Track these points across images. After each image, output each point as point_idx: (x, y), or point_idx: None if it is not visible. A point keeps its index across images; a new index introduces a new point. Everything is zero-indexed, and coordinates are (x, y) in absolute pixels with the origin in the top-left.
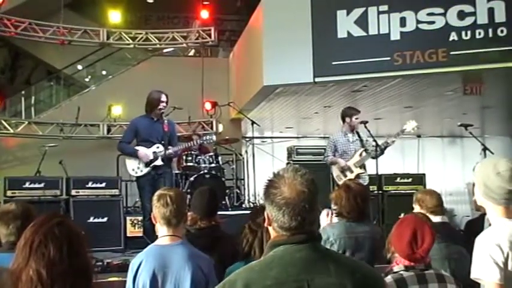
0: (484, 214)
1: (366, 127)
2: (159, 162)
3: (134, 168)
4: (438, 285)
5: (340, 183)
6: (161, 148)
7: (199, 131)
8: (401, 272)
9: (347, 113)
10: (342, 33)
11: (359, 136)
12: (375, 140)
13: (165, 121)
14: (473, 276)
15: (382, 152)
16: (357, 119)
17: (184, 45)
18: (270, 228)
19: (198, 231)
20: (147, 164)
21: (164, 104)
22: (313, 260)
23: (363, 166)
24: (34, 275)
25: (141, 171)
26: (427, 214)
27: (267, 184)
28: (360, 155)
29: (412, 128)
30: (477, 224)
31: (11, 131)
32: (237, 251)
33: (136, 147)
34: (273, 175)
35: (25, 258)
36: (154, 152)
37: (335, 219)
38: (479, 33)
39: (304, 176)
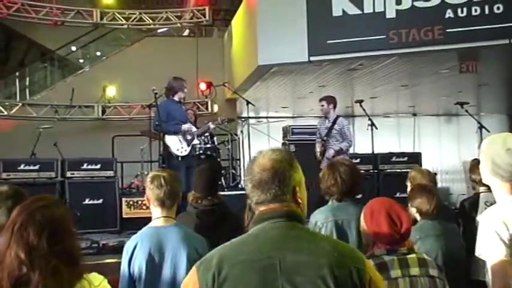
0: (479, 194)
1: (361, 106)
2: (196, 141)
3: (178, 148)
4: (420, 269)
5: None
6: (194, 128)
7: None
8: (383, 256)
9: None
10: (337, 12)
11: (332, 125)
12: (370, 119)
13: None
14: (477, 253)
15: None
16: (322, 106)
17: (179, 25)
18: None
19: (207, 208)
20: (188, 143)
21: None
22: (287, 238)
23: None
24: (14, 257)
25: (185, 150)
26: None
27: (248, 163)
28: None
29: None
30: (472, 204)
31: (5, 113)
32: (242, 226)
33: None
34: (255, 154)
35: (7, 240)
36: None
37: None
38: (476, 10)
39: (279, 152)
